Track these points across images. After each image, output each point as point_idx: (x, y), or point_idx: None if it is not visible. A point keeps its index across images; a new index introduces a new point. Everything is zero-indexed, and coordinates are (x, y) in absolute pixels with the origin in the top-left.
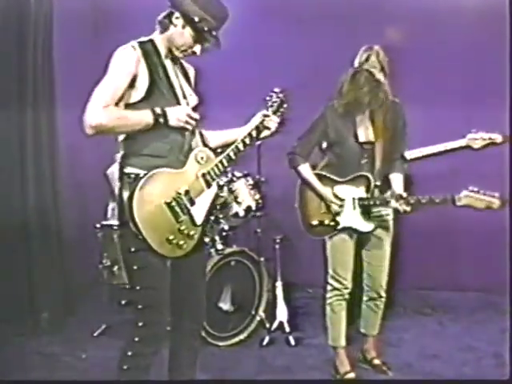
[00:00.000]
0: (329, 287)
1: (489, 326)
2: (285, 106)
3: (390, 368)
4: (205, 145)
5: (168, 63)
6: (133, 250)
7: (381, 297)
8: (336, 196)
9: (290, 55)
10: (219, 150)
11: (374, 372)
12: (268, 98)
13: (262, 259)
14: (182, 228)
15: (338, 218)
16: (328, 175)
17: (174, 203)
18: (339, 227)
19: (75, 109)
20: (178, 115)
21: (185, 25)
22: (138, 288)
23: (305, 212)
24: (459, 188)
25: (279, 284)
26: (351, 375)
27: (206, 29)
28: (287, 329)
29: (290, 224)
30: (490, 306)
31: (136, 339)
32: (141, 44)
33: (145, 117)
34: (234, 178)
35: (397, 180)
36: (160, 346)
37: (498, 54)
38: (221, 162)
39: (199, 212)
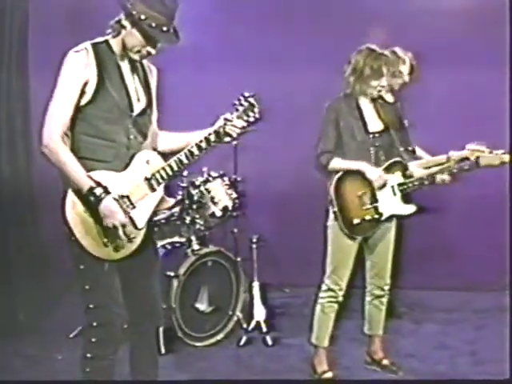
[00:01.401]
0: (324, 287)
1: (464, 325)
2: (255, 110)
3: (399, 368)
4: (154, 149)
5: (125, 65)
6: (77, 250)
7: (385, 292)
8: (373, 189)
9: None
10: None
11: (382, 373)
12: (236, 102)
13: (239, 259)
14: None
15: (380, 210)
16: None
17: None
18: (383, 218)
19: None
20: (107, 213)
21: (132, 27)
22: (86, 288)
23: (345, 214)
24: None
25: (256, 284)
26: (329, 375)
27: (153, 25)
28: (264, 329)
29: (266, 223)
30: (466, 305)
31: (93, 340)
32: (94, 45)
33: (81, 184)
34: (211, 178)
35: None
36: (117, 345)
37: (498, 55)
38: (169, 165)
39: (141, 215)
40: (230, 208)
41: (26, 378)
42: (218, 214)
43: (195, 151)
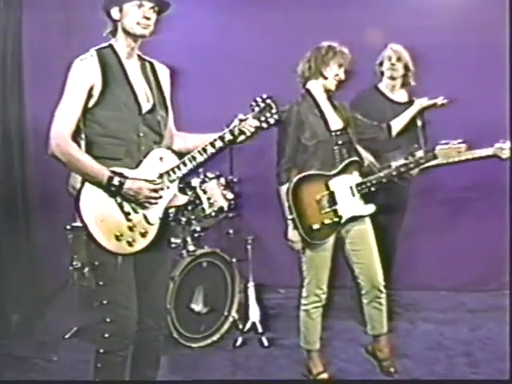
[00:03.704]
0: (305, 293)
1: (459, 325)
2: (273, 111)
3: (396, 371)
4: (168, 148)
5: (131, 65)
6: (92, 246)
7: (382, 292)
8: (332, 192)
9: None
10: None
11: (377, 373)
12: (253, 104)
13: (234, 260)
14: (133, 226)
15: (340, 213)
16: (318, 173)
17: (123, 201)
18: (343, 220)
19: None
20: (136, 190)
21: (121, 7)
22: (101, 283)
23: (304, 220)
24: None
25: (251, 285)
26: (324, 375)
27: None
28: (260, 329)
29: (261, 224)
30: (460, 305)
31: (106, 335)
32: (99, 50)
33: (100, 175)
34: (207, 179)
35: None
36: (129, 341)
37: (498, 55)
38: (183, 163)
39: (154, 211)
40: (226, 209)
41: (21, 380)
42: (214, 214)
43: (209, 149)
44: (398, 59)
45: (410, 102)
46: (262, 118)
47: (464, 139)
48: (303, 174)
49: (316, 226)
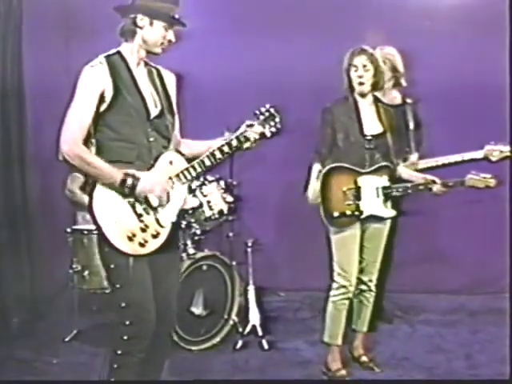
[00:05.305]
0: (334, 285)
1: (459, 328)
2: (276, 119)
3: (377, 365)
4: (177, 151)
5: (139, 71)
6: (106, 249)
7: (370, 290)
8: (358, 187)
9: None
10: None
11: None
12: (257, 113)
13: (234, 263)
14: (146, 227)
15: (361, 208)
16: (351, 167)
17: (135, 203)
18: (363, 216)
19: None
20: (148, 191)
21: (151, 20)
22: (117, 286)
23: (327, 205)
24: None
25: (251, 288)
26: (343, 372)
27: (171, 14)
28: (260, 332)
29: (261, 227)
30: (460, 308)
31: (125, 338)
32: (107, 57)
33: (113, 177)
34: (206, 182)
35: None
36: (147, 342)
37: (498, 56)
38: (192, 166)
39: (165, 213)
40: (226, 212)
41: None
42: (213, 217)
43: (217, 154)
44: (383, 62)
45: (404, 103)
46: (266, 127)
47: (463, 141)
48: (337, 164)
49: (336, 214)
